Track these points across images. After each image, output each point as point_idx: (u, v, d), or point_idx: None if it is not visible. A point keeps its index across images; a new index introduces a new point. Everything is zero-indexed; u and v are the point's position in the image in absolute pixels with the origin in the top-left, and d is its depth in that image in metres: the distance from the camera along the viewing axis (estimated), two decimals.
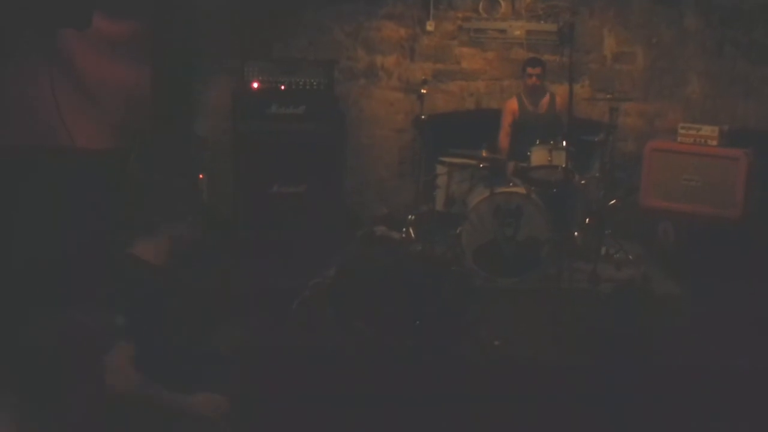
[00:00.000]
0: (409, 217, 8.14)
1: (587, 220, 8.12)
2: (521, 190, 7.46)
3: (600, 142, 7.96)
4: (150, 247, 3.73)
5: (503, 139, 8.37)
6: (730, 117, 8.84)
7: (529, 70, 8.23)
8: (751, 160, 7.90)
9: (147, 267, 3.67)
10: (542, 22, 9.06)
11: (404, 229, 8.07)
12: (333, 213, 8.24)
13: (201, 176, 8.37)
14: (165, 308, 3.60)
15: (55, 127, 5.89)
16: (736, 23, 9.06)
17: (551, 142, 7.62)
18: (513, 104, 8.37)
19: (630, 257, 7.86)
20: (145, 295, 3.54)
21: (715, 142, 8.06)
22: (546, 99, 8.31)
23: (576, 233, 8.07)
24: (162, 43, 7.70)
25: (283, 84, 8.19)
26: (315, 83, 8.27)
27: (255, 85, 8.16)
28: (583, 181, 7.98)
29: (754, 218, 7.90)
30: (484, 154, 7.69)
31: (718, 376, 5.47)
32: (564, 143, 7.50)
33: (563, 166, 7.33)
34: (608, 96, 8.03)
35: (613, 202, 8.14)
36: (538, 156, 7.65)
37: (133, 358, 3.47)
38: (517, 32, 9.08)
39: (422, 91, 7.78)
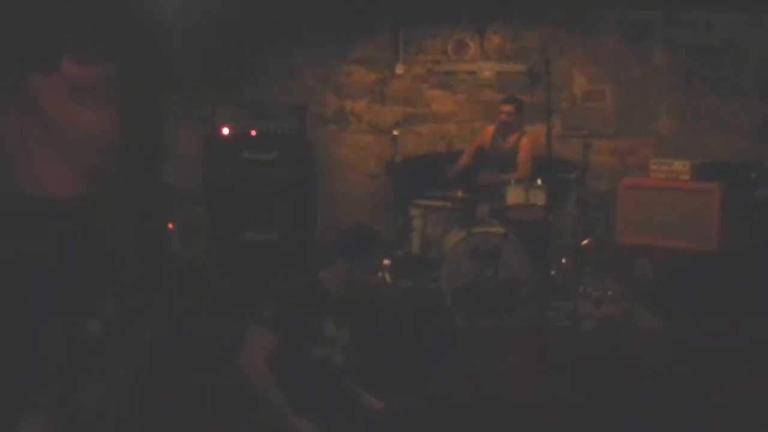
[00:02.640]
0: (385, 261, 8.05)
1: (564, 258, 8.09)
2: (498, 229, 7.42)
3: (574, 180, 7.96)
4: None
5: (465, 158, 8.34)
6: (700, 151, 8.87)
7: (501, 107, 8.23)
8: (723, 193, 7.94)
9: None
10: (512, 62, 9.08)
11: (380, 274, 7.98)
12: (306, 260, 8.14)
13: (170, 226, 8.26)
14: None
15: (24, 174, 5.76)
16: (704, 59, 9.15)
17: (527, 181, 7.60)
18: (486, 136, 8.38)
19: (609, 294, 7.83)
20: None
21: (687, 177, 8.11)
22: (513, 136, 8.28)
23: (553, 272, 8.03)
24: (131, 88, 7.61)
25: (254, 129, 8.11)
26: (286, 128, 8.20)
27: (226, 130, 8.07)
28: (559, 220, 7.96)
29: (729, 251, 7.90)
30: (459, 195, 7.65)
31: (702, 409, 5.44)
32: (539, 182, 7.49)
33: (539, 204, 7.31)
34: (579, 133, 8.05)
35: (587, 240, 8.12)
36: (514, 195, 7.62)
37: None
38: (487, 73, 9.10)
39: (394, 132, 7.75)
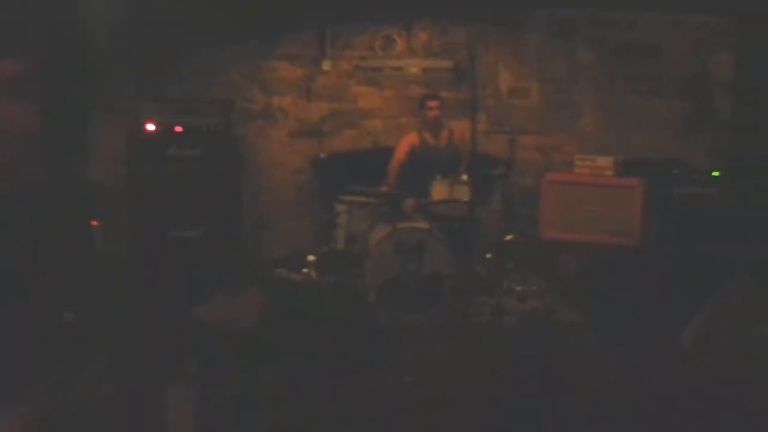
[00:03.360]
0: (309, 257, 8.04)
1: (488, 254, 8.13)
2: (423, 225, 7.43)
3: (500, 175, 8.01)
4: None
5: (393, 166, 8.33)
6: (624, 148, 8.98)
7: (429, 103, 8.22)
8: (646, 189, 8.06)
9: None
10: (438, 59, 9.11)
11: (305, 270, 7.97)
12: (231, 256, 8.07)
13: (95, 223, 8.15)
14: None
15: None
16: (627, 58, 9.28)
17: (452, 177, 7.62)
18: (413, 138, 8.35)
19: (533, 289, 7.90)
20: None
21: (610, 173, 8.21)
22: (445, 133, 8.31)
23: (478, 267, 8.07)
24: (53, 83, 7.50)
25: (179, 125, 8.04)
26: (212, 124, 8.14)
27: (150, 126, 7.99)
28: (483, 215, 8.00)
29: (650, 246, 8.01)
30: (383, 191, 7.66)
31: (623, 402, 5.50)
32: (464, 177, 7.52)
33: (464, 200, 7.34)
34: (504, 129, 8.10)
35: (511, 236, 8.18)
36: (439, 191, 7.64)
37: None
38: (414, 70, 9.12)
39: (320, 129, 7.74)
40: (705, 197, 8.27)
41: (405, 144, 8.33)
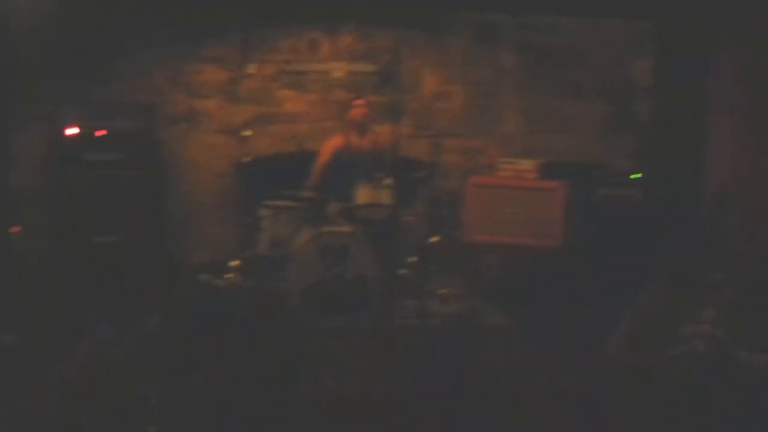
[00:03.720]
0: (233, 262, 7.99)
1: (412, 257, 8.16)
2: (347, 228, 7.44)
3: (423, 179, 8.04)
4: None
5: (317, 169, 8.30)
6: (546, 151, 9.09)
7: (357, 102, 8.22)
8: (567, 192, 8.16)
9: None
10: (363, 62, 9.13)
11: (228, 275, 7.92)
12: (155, 262, 8.02)
13: (17, 229, 8.02)
14: None
15: None
16: (549, 61, 9.39)
17: (376, 180, 7.64)
18: (338, 141, 8.33)
19: (456, 292, 7.94)
20: None
21: (533, 176, 8.31)
22: (370, 137, 8.32)
23: (402, 270, 8.09)
24: None
25: (100, 129, 7.95)
26: (134, 128, 8.07)
27: (71, 131, 7.88)
28: (407, 218, 8.02)
29: (573, 247, 8.12)
30: (306, 195, 7.65)
31: (548, 401, 5.57)
32: (388, 181, 7.54)
33: (388, 203, 7.36)
34: (428, 133, 8.14)
35: (435, 238, 8.21)
36: (363, 194, 7.65)
37: None
38: (338, 73, 9.13)
39: (244, 133, 7.70)
40: (626, 199, 8.40)
41: (330, 147, 8.31)
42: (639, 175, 8.51)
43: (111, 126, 8.02)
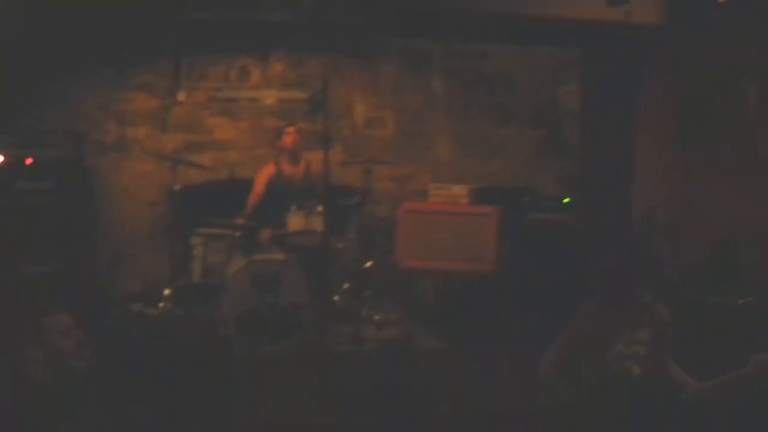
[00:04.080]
0: (165, 291, 7.92)
1: (346, 284, 8.17)
2: (279, 256, 7.42)
3: (355, 205, 8.07)
4: None
5: (253, 199, 8.26)
6: (478, 176, 9.19)
7: (288, 129, 8.20)
8: (499, 216, 8.24)
9: None
10: (294, 90, 9.14)
11: (161, 305, 7.85)
12: (86, 291, 7.90)
13: None
14: None
15: None
16: (480, 87, 9.51)
17: (308, 207, 7.63)
18: (270, 169, 8.30)
19: (391, 317, 7.96)
20: None
21: (465, 201, 8.36)
22: (302, 164, 8.32)
23: (336, 297, 8.09)
24: None
25: (29, 157, 7.83)
26: (64, 157, 7.96)
27: None
28: (340, 245, 8.03)
29: (506, 271, 8.19)
30: (239, 223, 7.62)
31: (483, 425, 5.61)
32: (320, 208, 7.53)
33: (320, 230, 7.36)
34: (360, 160, 8.18)
35: (369, 264, 8.23)
36: (295, 222, 7.64)
37: None
38: (269, 101, 9.14)
39: (175, 161, 7.66)
40: (557, 223, 8.50)
41: (264, 175, 8.29)
42: (568, 200, 8.63)
43: (40, 154, 7.89)
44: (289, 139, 8.19)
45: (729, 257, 7.07)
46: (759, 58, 6.28)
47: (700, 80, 7.88)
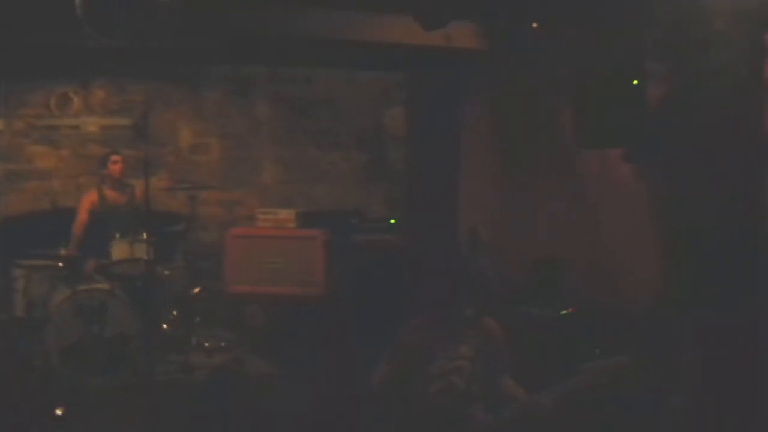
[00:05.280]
0: None
1: (174, 311, 8.09)
2: (104, 286, 7.29)
3: (181, 232, 8.01)
4: None
5: (77, 228, 8.07)
6: (305, 200, 9.29)
7: (113, 157, 8.04)
8: (327, 239, 8.36)
9: None
10: (116, 116, 9.01)
11: None
12: None
13: None
14: None
15: None
16: (305, 112, 9.61)
17: (132, 235, 7.52)
18: (93, 195, 8.11)
19: (221, 344, 7.93)
20: None
21: (292, 225, 8.46)
22: (126, 191, 8.18)
23: (165, 325, 8.00)
24: None
25: None
26: None
27: None
28: (167, 272, 7.95)
29: (335, 293, 8.30)
30: (62, 253, 7.45)
31: None
32: (144, 236, 7.44)
33: (145, 258, 7.27)
34: (185, 186, 8.13)
35: (197, 290, 8.17)
36: (119, 250, 7.52)
37: None
38: (92, 128, 8.98)
39: None
40: (383, 243, 8.67)
41: (86, 202, 8.11)
42: (394, 220, 8.81)
43: None
44: (115, 168, 8.04)
45: (550, 272, 7.32)
46: (574, 82, 6.54)
47: (519, 103, 8.14)
